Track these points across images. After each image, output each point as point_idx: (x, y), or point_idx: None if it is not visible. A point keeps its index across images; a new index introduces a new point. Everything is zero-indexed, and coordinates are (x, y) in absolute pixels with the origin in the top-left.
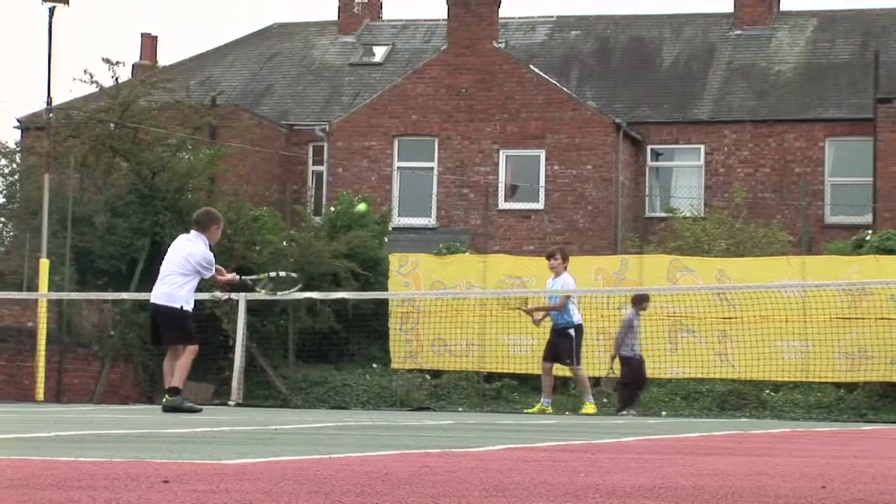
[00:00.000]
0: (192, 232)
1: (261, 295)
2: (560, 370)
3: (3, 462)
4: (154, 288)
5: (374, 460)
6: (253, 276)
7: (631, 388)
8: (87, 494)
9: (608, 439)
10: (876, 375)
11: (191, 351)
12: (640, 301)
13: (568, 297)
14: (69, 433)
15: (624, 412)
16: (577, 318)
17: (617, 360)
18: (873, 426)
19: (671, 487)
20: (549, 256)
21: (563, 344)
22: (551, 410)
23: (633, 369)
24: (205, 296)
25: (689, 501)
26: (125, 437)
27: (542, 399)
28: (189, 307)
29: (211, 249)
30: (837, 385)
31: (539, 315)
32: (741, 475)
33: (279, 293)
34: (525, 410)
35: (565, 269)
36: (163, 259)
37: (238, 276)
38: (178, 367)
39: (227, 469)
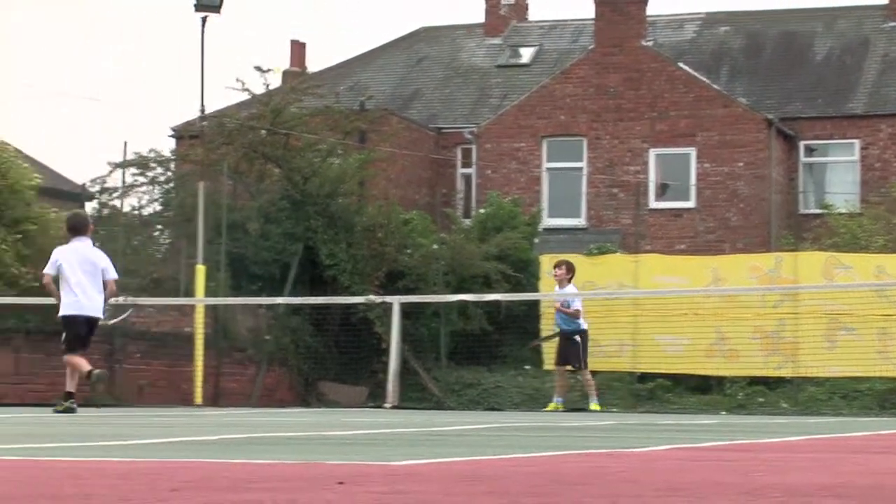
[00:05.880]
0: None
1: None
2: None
3: (174, 464)
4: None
5: (541, 461)
6: None
7: None
8: (267, 496)
9: (773, 439)
10: None
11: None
12: None
13: (579, 311)
14: (233, 436)
15: None
16: (583, 324)
17: None
18: None
19: (850, 486)
20: (555, 266)
21: (572, 349)
22: (563, 408)
23: None
24: (358, 299)
25: (874, 500)
26: (290, 440)
27: (555, 398)
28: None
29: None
30: None
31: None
32: None
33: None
34: (543, 410)
35: (569, 281)
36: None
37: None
38: None
39: (398, 470)
